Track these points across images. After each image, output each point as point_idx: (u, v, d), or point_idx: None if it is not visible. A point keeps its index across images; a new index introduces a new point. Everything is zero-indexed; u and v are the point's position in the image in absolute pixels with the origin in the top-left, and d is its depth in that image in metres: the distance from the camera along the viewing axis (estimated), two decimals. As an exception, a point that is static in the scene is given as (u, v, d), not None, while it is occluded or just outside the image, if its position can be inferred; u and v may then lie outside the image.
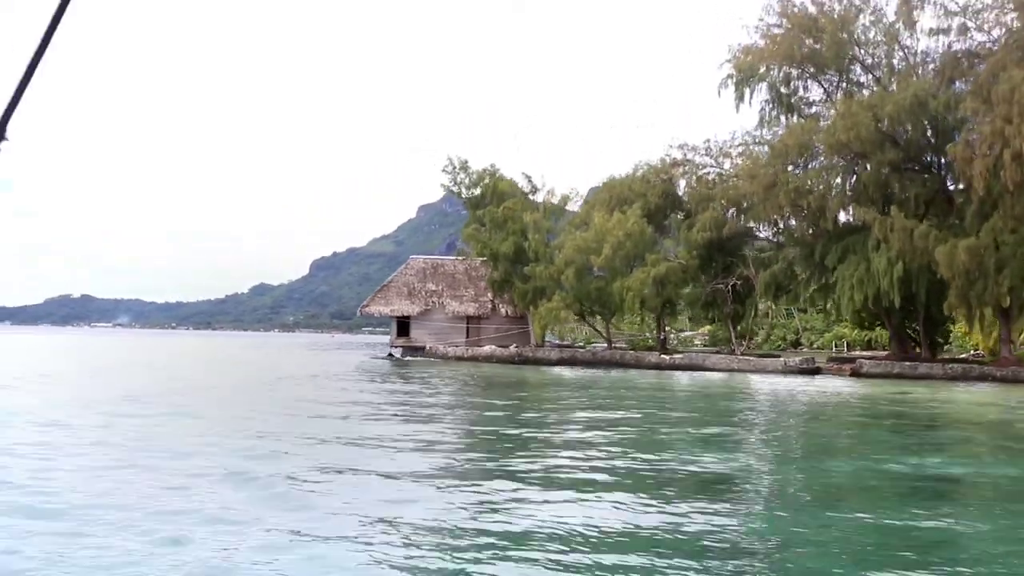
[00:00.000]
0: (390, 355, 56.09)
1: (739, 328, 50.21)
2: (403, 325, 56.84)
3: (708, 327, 71.86)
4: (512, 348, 50.48)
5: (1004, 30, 39.83)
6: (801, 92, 47.22)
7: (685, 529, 8.17)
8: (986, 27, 40.83)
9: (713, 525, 8.36)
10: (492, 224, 51.69)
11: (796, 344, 70.13)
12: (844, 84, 46.35)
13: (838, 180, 42.68)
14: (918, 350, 45.85)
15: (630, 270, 46.88)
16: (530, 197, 54.05)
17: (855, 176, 42.46)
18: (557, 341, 59.18)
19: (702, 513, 8.94)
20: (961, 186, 40.52)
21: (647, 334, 58.52)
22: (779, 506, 9.84)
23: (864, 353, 52.85)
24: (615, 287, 46.29)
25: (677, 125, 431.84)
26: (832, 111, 44.53)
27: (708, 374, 41.95)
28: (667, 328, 54.56)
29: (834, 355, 53.33)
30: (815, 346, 67.99)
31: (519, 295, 51.09)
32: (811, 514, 9.17)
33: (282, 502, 9.04)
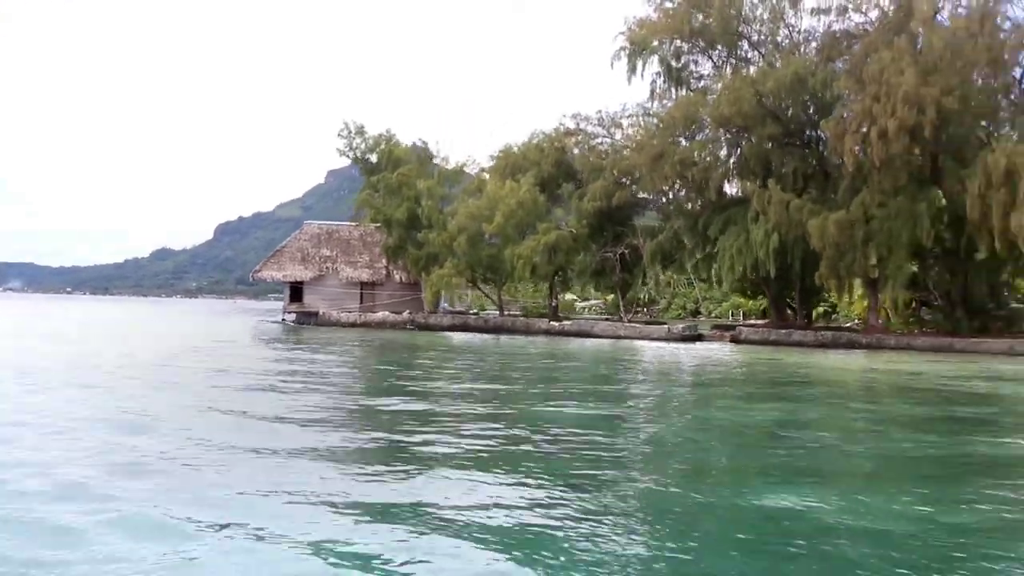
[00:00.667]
0: (283, 320, 55.69)
1: (628, 296, 51.45)
2: (296, 291, 56.39)
3: (612, 295, 73.67)
4: (405, 314, 50.67)
5: (879, 12, 41.48)
6: (691, 66, 48.27)
7: (569, 475, 8.65)
8: (863, 8, 42.37)
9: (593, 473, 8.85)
10: (386, 190, 51.54)
11: (695, 313, 72.03)
12: (733, 59, 47.60)
13: (722, 153, 44.01)
14: (797, 318, 47.87)
15: (522, 238, 47.44)
16: (432, 163, 53.94)
17: (738, 149, 43.78)
18: (449, 308, 59.47)
19: (583, 460, 9.52)
20: (836, 161, 42.10)
21: (541, 300, 59.30)
22: (647, 444, 10.43)
23: (746, 321, 54.78)
24: (506, 254, 46.89)
25: (578, 94, 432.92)
26: (720, 85, 45.71)
27: (595, 340, 42.96)
28: (559, 295, 55.41)
29: (719, 323, 55.08)
30: (714, 314, 69.96)
31: (412, 261, 51.27)
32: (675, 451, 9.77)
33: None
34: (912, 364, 30.20)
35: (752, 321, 56.53)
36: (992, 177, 34.78)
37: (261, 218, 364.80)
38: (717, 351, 37.22)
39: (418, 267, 50.98)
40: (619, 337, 44.92)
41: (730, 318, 65.71)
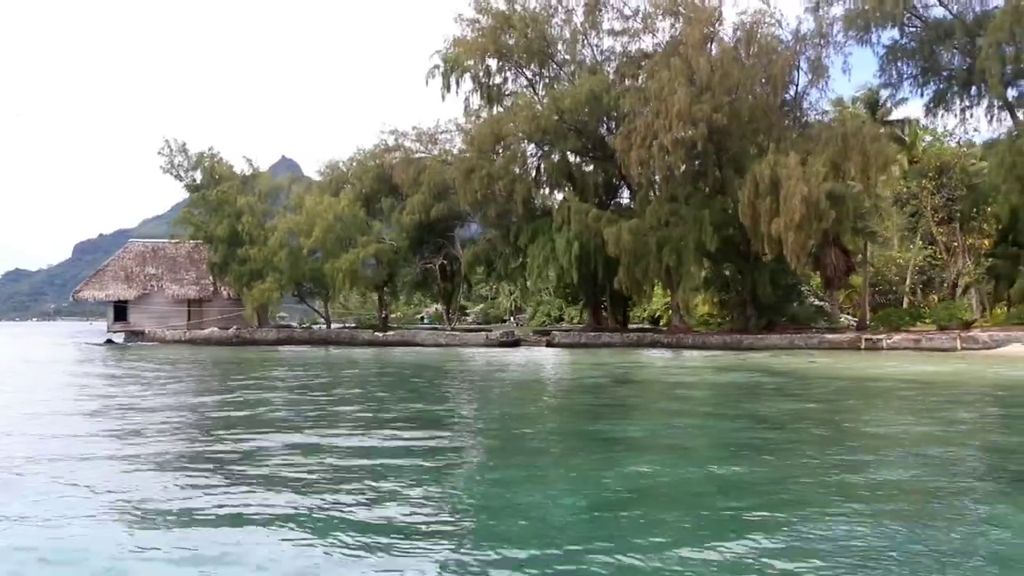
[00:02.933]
0: (109, 341, 54.98)
1: (452, 304, 53.22)
2: (121, 310, 55.83)
3: (479, 306, 75.57)
4: (232, 330, 50.96)
5: (666, 35, 44.56)
6: (503, 83, 50.43)
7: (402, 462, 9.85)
8: (655, 31, 45.41)
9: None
10: (207, 207, 51.79)
11: (559, 319, 73.95)
12: (545, 77, 50.01)
13: (528, 166, 46.00)
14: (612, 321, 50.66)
15: (344, 252, 48.49)
16: (255, 179, 54.32)
17: (541, 163, 46.00)
18: (280, 323, 59.85)
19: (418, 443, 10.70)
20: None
21: (375, 312, 60.32)
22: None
23: (563, 326, 57.34)
24: (326, 268, 47.86)
25: (400, 110, 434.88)
26: (534, 101, 47.99)
27: (418, 349, 44.40)
28: (393, 306, 56.66)
29: (537, 328, 57.44)
30: (575, 321, 71.91)
31: (235, 277, 51.55)
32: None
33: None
34: (671, 361, 32.95)
35: (567, 326, 59.08)
36: (759, 186, 37.97)
37: (124, 235, 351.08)
38: (527, 354, 39.33)
39: (241, 283, 51.31)
40: (440, 345, 46.54)
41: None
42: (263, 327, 52.11)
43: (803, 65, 43.60)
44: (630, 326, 54.02)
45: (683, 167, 41.66)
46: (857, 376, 24.44)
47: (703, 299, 55.51)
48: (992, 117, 44.11)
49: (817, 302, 53.36)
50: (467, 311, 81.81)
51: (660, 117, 38.90)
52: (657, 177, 39.67)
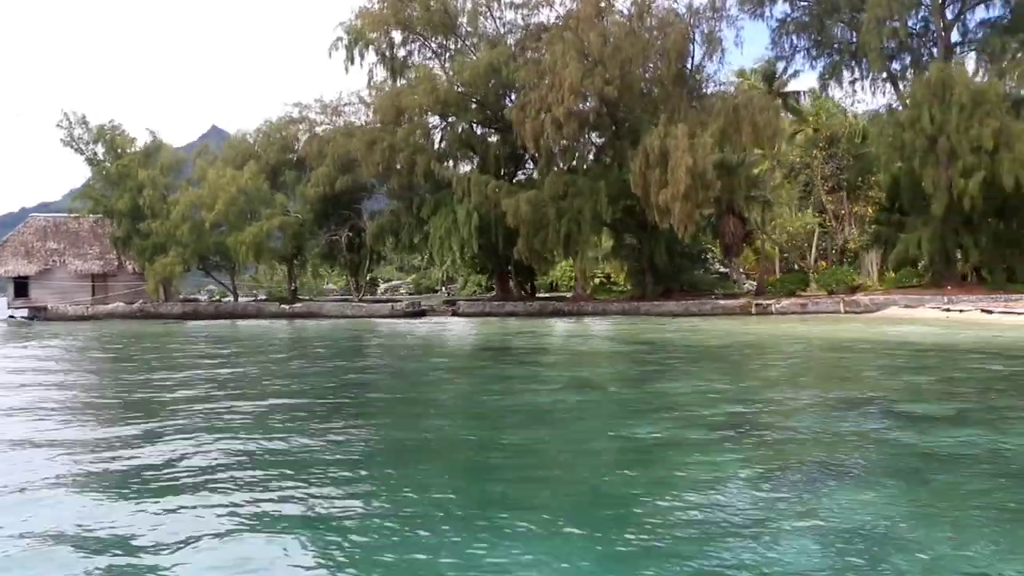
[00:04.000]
0: (11, 317, 54.10)
1: (360, 275, 53.47)
2: (21, 286, 54.92)
3: (411, 276, 75.52)
4: (136, 304, 50.61)
5: (565, 8, 45.15)
6: (409, 55, 50.53)
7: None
8: (554, 4, 45.96)
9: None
10: (107, 181, 51.15)
11: (490, 289, 73.34)
12: (447, 50, 50.25)
13: (431, 138, 46.27)
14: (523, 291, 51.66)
15: (247, 225, 48.39)
16: (159, 152, 53.55)
17: (443, 135, 46.34)
18: (187, 296, 59.37)
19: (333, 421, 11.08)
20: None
21: (293, 284, 59.86)
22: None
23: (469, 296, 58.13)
24: (230, 241, 47.74)
25: (307, 82, 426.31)
26: (436, 73, 48.22)
27: (324, 320, 44.77)
28: (298, 278, 56.53)
29: (447, 298, 58.08)
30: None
31: (138, 251, 51.10)
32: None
33: None
34: (556, 326, 34.06)
35: (474, 296, 59.76)
36: (650, 158, 39.02)
37: (48, 208, 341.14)
38: (429, 323, 40.14)
39: (144, 257, 50.87)
40: (346, 316, 46.98)
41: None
42: (169, 301, 51.79)
43: (698, 38, 44.72)
44: (539, 295, 54.98)
45: (581, 139, 42.47)
46: (700, 342, 25.73)
47: (612, 267, 56.83)
48: (876, 89, 45.99)
49: (724, 269, 55.05)
50: (387, 281, 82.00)
51: (553, 90, 39.59)
52: (556, 149, 40.33)
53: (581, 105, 39.52)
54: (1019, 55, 43.58)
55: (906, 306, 38.64)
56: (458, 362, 21.76)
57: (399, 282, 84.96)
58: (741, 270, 51.12)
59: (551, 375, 17.23)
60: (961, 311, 35.19)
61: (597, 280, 56.77)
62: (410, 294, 70.18)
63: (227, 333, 35.18)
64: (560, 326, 35.53)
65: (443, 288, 70.69)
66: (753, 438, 9.59)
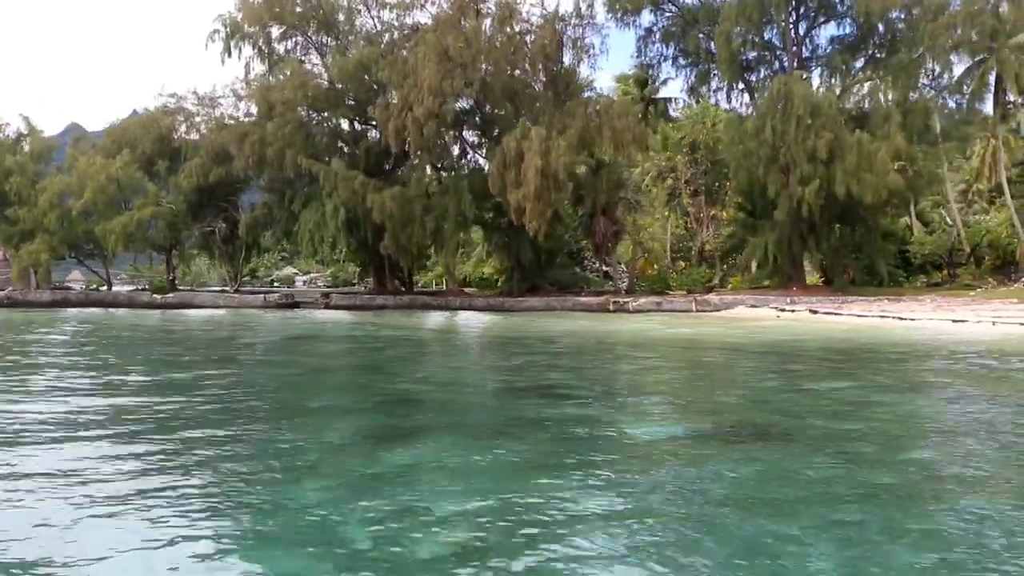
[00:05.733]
0: None
1: (236, 266, 53.86)
2: None
3: (331, 269, 75.58)
4: (3, 292, 50.13)
5: (437, 9, 46.29)
6: (293, 50, 51.05)
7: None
8: (425, 6, 47.04)
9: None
10: (-30, 166, 50.70)
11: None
12: (328, 47, 50.90)
13: (302, 132, 46.82)
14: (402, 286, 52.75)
15: (119, 214, 48.42)
16: (27, 138, 53.05)
17: (310, 129, 47.00)
18: (60, 284, 58.90)
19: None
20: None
21: (171, 275, 59.93)
22: None
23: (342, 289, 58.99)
24: (99, 230, 47.74)
25: (185, 73, 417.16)
26: (307, 69, 48.90)
27: (191, 311, 44.99)
28: (177, 269, 56.65)
29: (325, 290, 58.89)
30: (421, 284, 71.85)
31: (5, 238, 50.70)
32: None
33: None
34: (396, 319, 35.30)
35: (349, 289, 60.54)
36: (507, 158, 40.45)
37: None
38: (288, 316, 40.83)
39: (11, 244, 50.49)
40: (218, 307, 47.35)
41: (437, 285, 67.89)
42: (38, 289, 51.41)
43: (567, 44, 46.28)
44: (417, 290, 56.11)
45: (445, 139, 43.72)
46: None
47: (489, 263, 58.27)
48: (734, 99, 48.25)
49: (606, 268, 56.78)
50: (305, 273, 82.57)
51: (414, 90, 40.73)
52: (418, 148, 41.51)
53: (441, 106, 40.64)
54: (861, 73, 46.50)
55: (752, 306, 40.77)
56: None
57: (317, 274, 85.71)
58: (623, 269, 52.67)
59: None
60: (793, 311, 37.48)
61: (478, 276, 58.34)
62: (327, 286, 70.63)
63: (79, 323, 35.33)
64: (400, 319, 36.57)
65: (360, 281, 70.99)
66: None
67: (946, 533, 5.67)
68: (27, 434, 9.21)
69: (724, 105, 50.04)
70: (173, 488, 6.84)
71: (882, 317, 31.68)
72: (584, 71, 47.85)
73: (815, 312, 35.95)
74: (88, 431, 9.40)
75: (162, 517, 6.07)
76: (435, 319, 37.01)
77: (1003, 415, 10.59)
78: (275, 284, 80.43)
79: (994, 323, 27.01)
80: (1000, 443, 8.76)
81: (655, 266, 50.77)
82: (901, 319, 30.51)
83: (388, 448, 8.52)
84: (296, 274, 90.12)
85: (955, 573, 4.97)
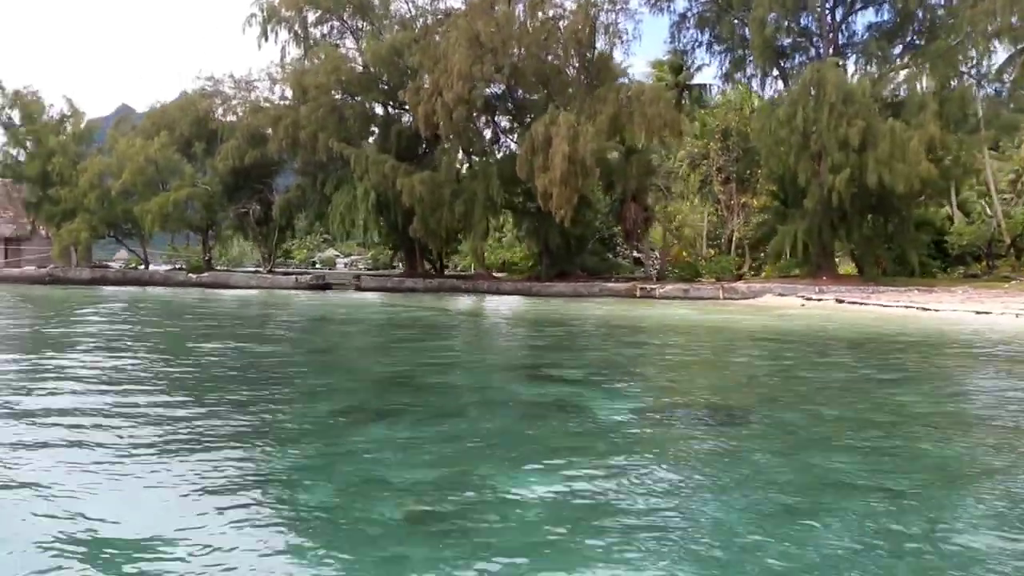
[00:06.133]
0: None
1: (269, 248, 54.67)
2: (-71, 248, 55.60)
3: (371, 251, 76.59)
4: (46, 269, 51.50)
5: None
6: (328, 34, 51.57)
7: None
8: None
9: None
10: (20, 145, 51.94)
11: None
12: (363, 32, 51.32)
13: (335, 116, 47.27)
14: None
15: (155, 195, 49.44)
16: (70, 119, 54.25)
17: (343, 113, 47.40)
18: (99, 262, 60.12)
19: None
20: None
21: (208, 255, 60.84)
22: None
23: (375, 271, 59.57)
24: (137, 210, 48.80)
25: (224, 56, 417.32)
26: (340, 53, 49.35)
27: (226, 291, 45.89)
28: (213, 249, 57.56)
29: (357, 272, 59.58)
30: (459, 268, 72.38)
31: (47, 217, 52.02)
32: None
33: None
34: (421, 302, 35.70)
35: (383, 272, 61.01)
36: (535, 143, 40.56)
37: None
38: (319, 297, 41.48)
39: (53, 222, 51.81)
40: (251, 287, 48.20)
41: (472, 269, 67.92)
42: (78, 267, 52.63)
43: (600, 29, 46.16)
44: (448, 273, 56.55)
45: (476, 123, 43.93)
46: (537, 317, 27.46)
47: (519, 248, 58.53)
48: (766, 85, 47.80)
49: (636, 254, 56.66)
50: (347, 256, 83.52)
51: (444, 75, 40.97)
52: (449, 133, 41.81)
53: (471, 91, 40.85)
54: (899, 60, 45.82)
55: (780, 294, 40.62)
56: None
57: (358, 257, 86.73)
58: (655, 255, 52.36)
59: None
60: (820, 300, 37.30)
61: (509, 261, 58.62)
62: (367, 268, 71.49)
63: (118, 300, 36.22)
64: (425, 302, 36.90)
65: (398, 264, 71.38)
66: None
67: (870, 508, 5.82)
68: None
69: (758, 92, 49.59)
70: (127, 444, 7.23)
71: (907, 307, 31.44)
72: (618, 57, 47.53)
73: (841, 301, 35.72)
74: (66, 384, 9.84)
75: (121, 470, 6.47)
76: (460, 303, 37.33)
77: (990, 400, 10.64)
78: (316, 265, 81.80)
79: (1017, 315, 26.67)
80: (974, 430, 8.84)
81: (684, 253, 50.60)
82: (925, 309, 30.26)
83: (364, 424, 8.83)
84: (338, 256, 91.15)
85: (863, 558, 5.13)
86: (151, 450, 7.27)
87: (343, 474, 6.72)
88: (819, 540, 5.23)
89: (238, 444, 7.64)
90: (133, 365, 13.05)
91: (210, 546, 5.06)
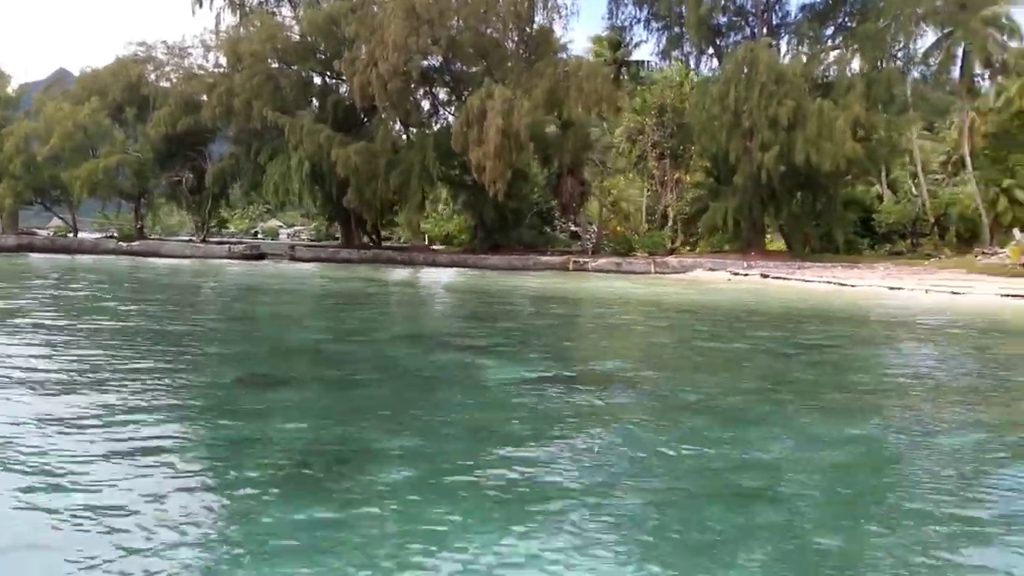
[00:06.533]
0: None
1: (202, 217, 53.95)
2: None
3: (315, 222, 75.72)
4: (-23, 237, 50.20)
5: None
6: (256, 1, 50.55)
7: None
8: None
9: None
10: (-61, 110, 50.47)
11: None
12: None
13: (270, 85, 46.59)
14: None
15: (85, 161, 48.41)
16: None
17: (279, 82, 46.80)
18: (27, 229, 58.67)
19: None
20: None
21: (139, 223, 59.77)
22: None
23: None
24: (65, 176, 47.78)
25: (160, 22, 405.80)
26: (277, 21, 48.62)
27: (162, 260, 45.10)
28: (144, 216, 56.57)
29: (296, 243, 59.18)
30: (403, 240, 71.13)
31: (-28, 184, 50.65)
32: None
33: None
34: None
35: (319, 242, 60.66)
36: (470, 116, 40.60)
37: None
38: (248, 267, 41.14)
39: (-22, 189, 50.41)
40: (184, 256, 47.56)
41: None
42: (4, 234, 51.40)
43: (539, 4, 46.15)
44: (387, 245, 56.32)
45: (414, 96, 43.78)
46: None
47: (457, 221, 58.55)
48: (702, 63, 48.32)
49: (575, 228, 56.94)
50: (290, 226, 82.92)
51: (380, 46, 40.70)
52: (384, 103, 41.53)
53: (407, 63, 40.67)
54: (831, 41, 46.68)
55: (710, 269, 41.36)
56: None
57: (302, 227, 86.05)
58: (594, 229, 52.48)
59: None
60: (746, 275, 38.11)
61: (446, 234, 58.67)
62: (311, 239, 70.86)
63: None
64: (356, 273, 36.90)
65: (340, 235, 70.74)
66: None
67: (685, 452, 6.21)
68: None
69: (694, 69, 50.15)
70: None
71: (828, 283, 32.37)
72: (559, 32, 47.77)
73: (766, 277, 36.57)
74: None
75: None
76: (391, 274, 37.36)
77: (868, 368, 11.16)
78: (258, 235, 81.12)
79: (927, 291, 27.68)
80: (837, 394, 9.32)
81: (619, 228, 51.21)
82: (843, 285, 31.21)
83: (262, 390, 9.03)
84: (281, 227, 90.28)
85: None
86: (49, 417, 7.33)
87: (228, 435, 6.96)
88: (658, 492, 5.60)
89: (135, 411, 7.75)
90: (33, 333, 13.00)
91: (95, 505, 5.19)
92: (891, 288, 28.95)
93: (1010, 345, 14.97)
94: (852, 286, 30.84)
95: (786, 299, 25.25)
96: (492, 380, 9.77)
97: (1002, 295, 25.87)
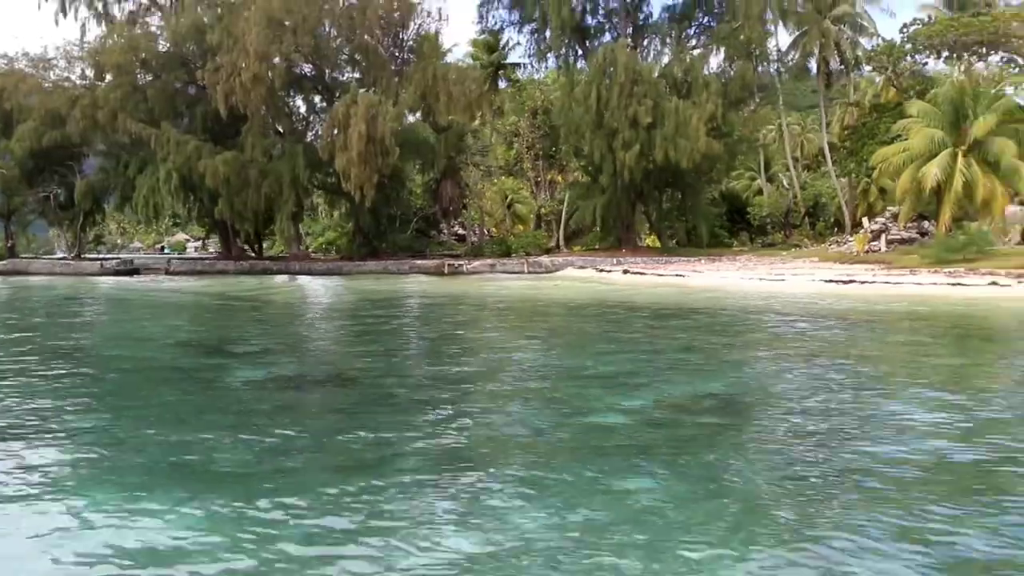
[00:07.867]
0: None
1: (73, 233, 52.80)
2: None
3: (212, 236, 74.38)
4: None
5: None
6: (128, 11, 49.77)
7: None
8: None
9: None
10: None
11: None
12: (174, 9, 49.65)
13: (136, 96, 45.73)
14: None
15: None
16: None
17: (146, 93, 46.04)
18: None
19: None
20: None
21: (10, 241, 57.96)
22: None
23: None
24: (-85, 194, 46.29)
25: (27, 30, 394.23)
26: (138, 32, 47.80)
27: (21, 278, 43.81)
28: (14, 234, 54.82)
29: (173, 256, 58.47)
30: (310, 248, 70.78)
31: None
32: None
33: None
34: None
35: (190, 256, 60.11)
36: (335, 123, 40.84)
37: None
38: (142, 281, 40.51)
39: None
40: (53, 274, 46.43)
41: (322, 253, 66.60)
42: None
43: (417, 11, 46.51)
44: (268, 255, 55.98)
45: (279, 103, 43.75)
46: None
47: (334, 229, 58.45)
48: (568, 65, 49.18)
49: (462, 231, 57.42)
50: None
51: (242, 55, 40.60)
52: (249, 111, 41.39)
53: (269, 70, 40.66)
54: (692, 41, 48.21)
55: (580, 267, 42.26)
56: None
57: (211, 240, 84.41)
58: (480, 231, 52.85)
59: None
60: (610, 272, 39.09)
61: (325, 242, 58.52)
62: (218, 252, 69.55)
63: None
64: (220, 285, 36.73)
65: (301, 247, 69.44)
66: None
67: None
68: None
69: (564, 72, 51.09)
70: None
71: (676, 276, 33.57)
72: (437, 37, 47.79)
73: (627, 272, 37.66)
74: None
75: None
76: (257, 283, 37.25)
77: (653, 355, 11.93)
78: (164, 250, 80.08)
79: (761, 279, 29.08)
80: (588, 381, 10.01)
81: (495, 229, 51.96)
82: (681, 276, 32.64)
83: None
84: (188, 239, 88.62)
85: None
86: None
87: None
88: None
89: None
90: None
91: None
92: (723, 279, 30.32)
93: (761, 322, 16.03)
94: (684, 277, 32.25)
95: (626, 293, 26.25)
96: (229, 380, 10.31)
97: (824, 280, 27.44)
